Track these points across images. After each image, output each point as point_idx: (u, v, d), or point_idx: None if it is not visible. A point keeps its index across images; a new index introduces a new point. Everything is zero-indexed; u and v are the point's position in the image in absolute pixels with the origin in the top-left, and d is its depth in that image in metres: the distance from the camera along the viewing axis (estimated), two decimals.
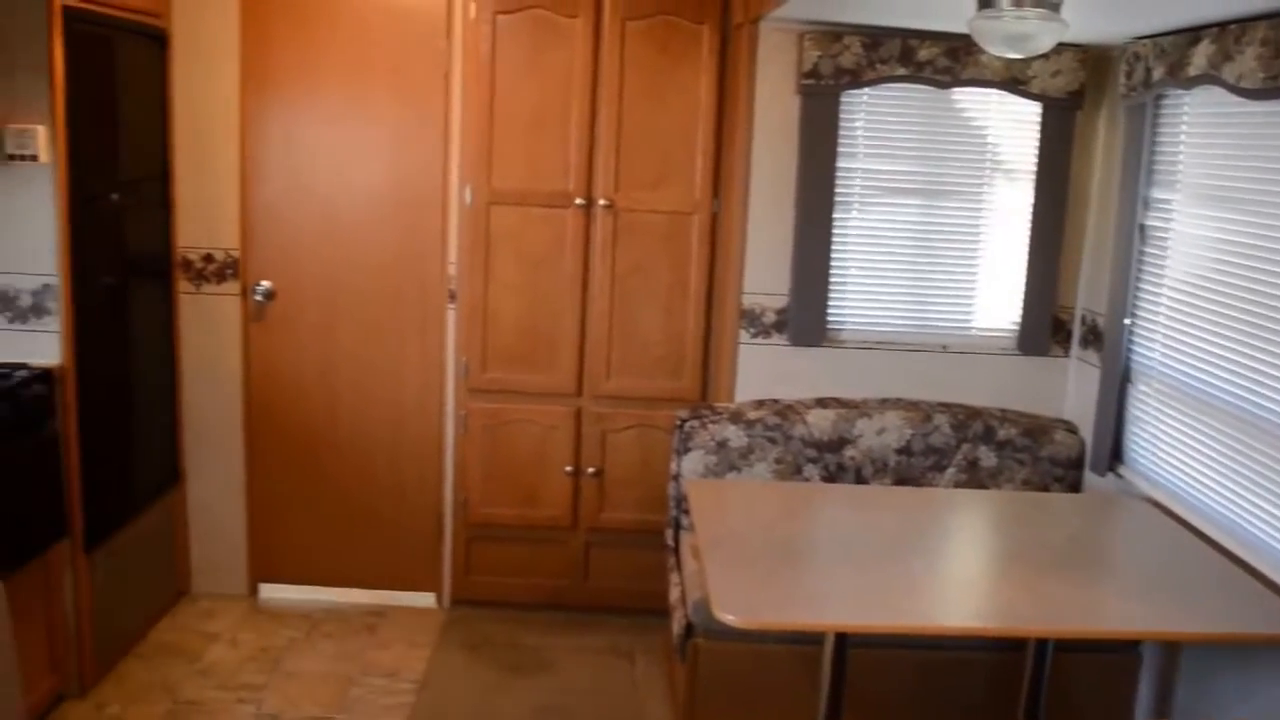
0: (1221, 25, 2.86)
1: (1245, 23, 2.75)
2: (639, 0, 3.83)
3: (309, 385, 4.14)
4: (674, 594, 3.54)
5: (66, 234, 3.28)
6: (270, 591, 4.26)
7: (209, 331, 4.07)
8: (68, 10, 3.20)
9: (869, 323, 3.90)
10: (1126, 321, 3.48)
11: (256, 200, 4.03)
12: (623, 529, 4.14)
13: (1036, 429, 3.73)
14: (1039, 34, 2.57)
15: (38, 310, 3.30)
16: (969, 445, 3.70)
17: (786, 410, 3.73)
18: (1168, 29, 3.13)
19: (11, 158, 3.21)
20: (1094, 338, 3.75)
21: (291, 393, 4.14)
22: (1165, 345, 3.34)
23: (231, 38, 3.90)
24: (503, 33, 3.86)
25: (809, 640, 3.08)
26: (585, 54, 3.87)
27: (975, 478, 3.70)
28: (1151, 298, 3.42)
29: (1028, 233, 3.81)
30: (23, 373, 3.17)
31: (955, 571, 2.90)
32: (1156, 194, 3.39)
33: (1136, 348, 3.49)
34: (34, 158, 3.20)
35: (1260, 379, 2.88)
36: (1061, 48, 3.59)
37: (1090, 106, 3.74)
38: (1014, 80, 3.67)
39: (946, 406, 3.80)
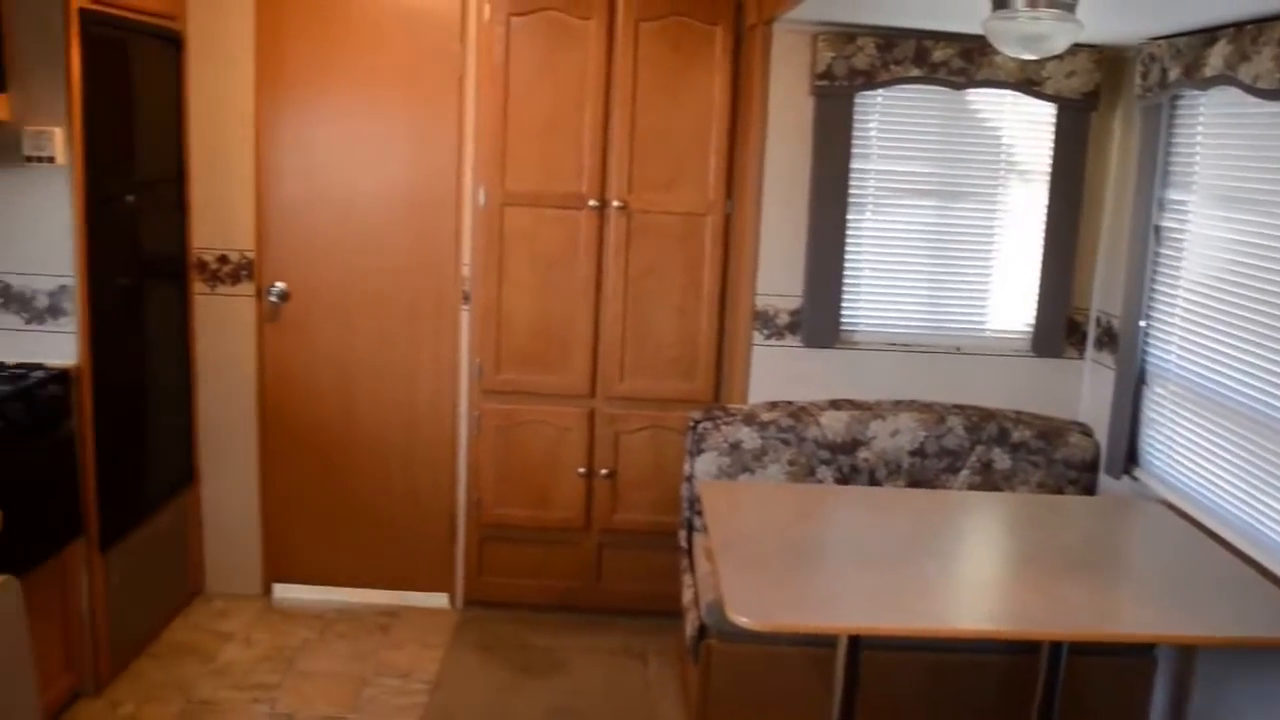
0: (1238, 25, 2.85)
1: (1262, 23, 2.74)
2: (652, 2, 3.84)
3: (323, 386, 4.15)
4: (687, 595, 3.54)
5: (83, 235, 3.30)
6: (284, 591, 4.28)
7: (223, 332, 4.09)
8: (84, 13, 3.22)
9: (882, 324, 3.89)
10: (1142, 323, 3.46)
11: (271, 202, 4.04)
12: (636, 530, 4.14)
13: (1051, 431, 3.71)
14: (1054, 35, 2.56)
15: (54, 311, 3.32)
16: (983, 447, 3.69)
17: (800, 412, 3.72)
18: (1183, 29, 3.11)
19: (28, 159, 3.23)
20: (1109, 339, 3.73)
21: (305, 393, 4.15)
22: (1181, 347, 3.33)
23: (247, 40, 3.92)
24: (516, 35, 3.87)
25: (822, 642, 3.07)
26: (599, 55, 3.88)
27: (989, 480, 3.68)
28: (1167, 299, 3.40)
29: (1042, 234, 3.80)
30: (39, 373, 3.19)
31: (969, 574, 2.89)
32: (1172, 195, 3.38)
33: (1152, 350, 3.47)
34: (51, 159, 3.22)
35: (1277, 380, 2.86)
36: (1076, 48, 3.57)
37: (1105, 107, 3.73)
38: (1029, 81, 3.65)
39: (960, 408, 3.79)
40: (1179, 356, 3.34)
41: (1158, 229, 3.42)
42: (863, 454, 3.68)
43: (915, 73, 3.63)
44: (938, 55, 3.62)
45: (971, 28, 3.17)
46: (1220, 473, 3.11)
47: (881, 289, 3.87)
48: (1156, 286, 3.45)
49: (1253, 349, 2.97)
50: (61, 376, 3.25)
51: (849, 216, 3.76)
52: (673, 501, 4.01)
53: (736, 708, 3.30)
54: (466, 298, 4.08)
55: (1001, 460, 3.69)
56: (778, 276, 3.82)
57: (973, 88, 3.68)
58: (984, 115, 3.78)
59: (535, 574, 4.22)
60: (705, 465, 3.67)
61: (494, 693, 3.68)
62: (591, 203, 3.95)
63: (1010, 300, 3.89)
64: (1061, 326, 3.83)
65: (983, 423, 3.71)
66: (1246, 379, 3.00)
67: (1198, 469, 3.21)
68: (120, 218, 3.55)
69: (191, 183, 3.99)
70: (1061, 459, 3.69)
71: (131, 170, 3.63)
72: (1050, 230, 3.78)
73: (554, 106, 3.91)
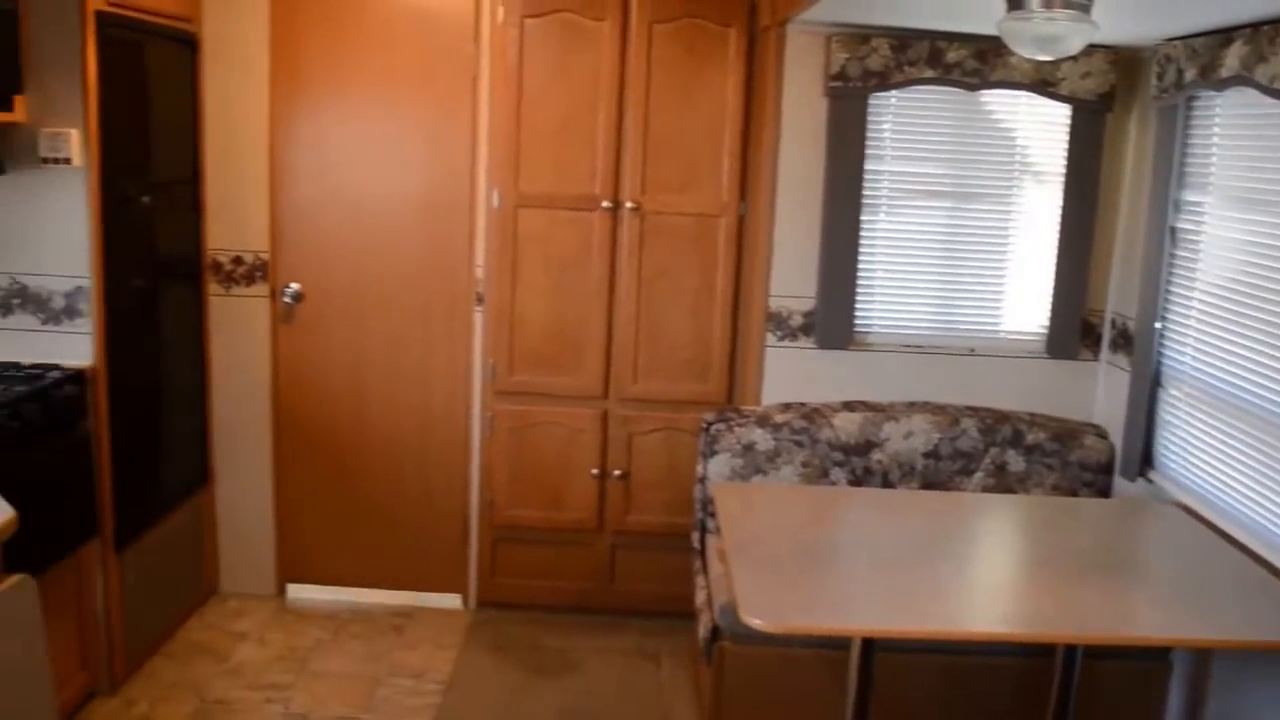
0: (1255, 26, 2.83)
1: (1279, 24, 2.72)
2: (666, 3, 3.84)
3: (337, 386, 4.16)
4: (700, 597, 3.53)
5: (99, 236, 3.32)
6: (298, 592, 4.29)
7: (238, 333, 4.10)
8: (100, 15, 3.24)
9: (896, 326, 3.88)
10: (1157, 325, 3.44)
11: (285, 203, 4.06)
12: (649, 532, 4.14)
13: (1065, 433, 3.70)
14: (1069, 35, 2.55)
15: (70, 312, 3.34)
16: (997, 449, 3.68)
17: (813, 413, 3.72)
18: (1199, 30, 3.10)
19: (45, 161, 3.25)
20: (1124, 341, 3.71)
21: (319, 394, 4.16)
22: (1196, 349, 3.31)
23: (261, 42, 3.94)
24: (530, 36, 3.87)
25: (835, 644, 3.06)
26: (612, 57, 3.88)
27: (1003, 482, 3.67)
28: (1182, 301, 3.38)
29: (1057, 235, 3.78)
30: (55, 373, 3.20)
31: (983, 576, 2.88)
32: (1187, 196, 3.36)
33: (1167, 351, 3.45)
34: (67, 161, 3.24)
35: None
36: (1092, 49, 3.56)
37: (1120, 108, 3.71)
38: (1043, 82, 3.64)
39: (974, 410, 3.77)
40: (1194, 358, 3.32)
41: (1173, 230, 3.40)
42: (876, 456, 3.68)
43: (929, 74, 3.62)
44: (952, 56, 3.61)
45: (986, 29, 3.16)
46: (1236, 475, 3.09)
47: (895, 290, 3.87)
48: (1172, 288, 3.43)
49: (1269, 351, 2.95)
50: (77, 377, 3.26)
51: (863, 218, 3.75)
52: (686, 503, 4.01)
53: (750, 710, 3.30)
54: (480, 299, 4.08)
55: (1016, 462, 3.67)
56: (791, 278, 3.82)
57: (987, 89, 3.66)
58: (998, 116, 3.77)
59: (548, 575, 4.22)
60: (718, 467, 3.66)
61: (507, 693, 3.68)
62: (605, 204, 3.96)
63: (1025, 302, 3.87)
64: (1076, 328, 3.81)
65: (997, 425, 3.70)
66: (1262, 381, 2.98)
67: (1213, 471, 3.20)
68: (136, 219, 3.57)
69: (206, 184, 4.01)
70: (1076, 461, 3.67)
71: (147, 172, 3.65)
72: (1065, 231, 3.77)
73: (568, 108, 3.91)
